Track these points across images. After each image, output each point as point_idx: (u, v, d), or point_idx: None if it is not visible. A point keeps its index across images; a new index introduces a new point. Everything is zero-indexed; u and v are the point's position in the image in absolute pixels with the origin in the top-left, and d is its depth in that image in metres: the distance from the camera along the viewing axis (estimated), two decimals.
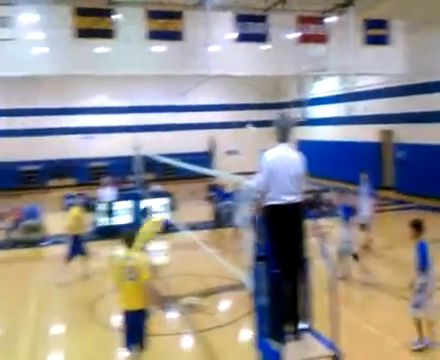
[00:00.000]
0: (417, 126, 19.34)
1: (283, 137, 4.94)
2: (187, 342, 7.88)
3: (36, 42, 14.89)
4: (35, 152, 25.74)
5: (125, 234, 6.11)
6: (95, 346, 7.55)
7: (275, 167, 4.82)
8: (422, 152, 19.06)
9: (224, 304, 9.34)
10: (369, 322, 8.10)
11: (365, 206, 12.00)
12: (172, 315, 8.86)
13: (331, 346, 4.56)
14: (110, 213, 14.57)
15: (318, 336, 4.80)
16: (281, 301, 4.62)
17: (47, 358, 7.37)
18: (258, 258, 4.79)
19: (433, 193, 18.32)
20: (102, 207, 14.76)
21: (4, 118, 25.57)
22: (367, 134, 22.34)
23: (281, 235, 4.74)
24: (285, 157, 4.89)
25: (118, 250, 6.56)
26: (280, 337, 4.56)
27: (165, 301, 9.44)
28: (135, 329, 5.94)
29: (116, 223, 14.26)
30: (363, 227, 11.93)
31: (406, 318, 7.48)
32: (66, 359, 7.39)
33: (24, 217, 14.35)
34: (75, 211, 10.83)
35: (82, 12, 14.89)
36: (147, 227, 9.80)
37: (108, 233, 13.72)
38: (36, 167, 26.33)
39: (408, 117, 19.77)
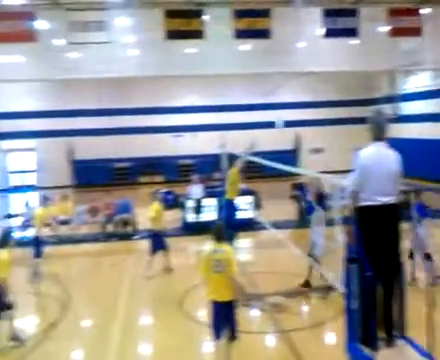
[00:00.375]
0: None
1: (378, 135, 4.74)
2: (272, 342, 7.85)
3: (130, 45, 15.59)
4: (127, 150, 27.02)
5: (214, 228, 6.26)
6: (184, 338, 7.74)
7: (370, 167, 4.65)
8: None
9: (310, 305, 9.18)
10: None
11: None
12: (257, 313, 8.86)
13: (427, 355, 4.32)
14: (198, 210, 14.89)
15: (413, 344, 4.57)
16: (374, 305, 4.45)
17: (137, 349, 7.64)
18: (350, 260, 4.66)
19: None
20: (190, 204, 15.12)
21: (100, 118, 27.06)
22: None
23: (375, 237, 4.56)
24: (380, 156, 4.70)
25: (207, 245, 6.73)
26: (372, 343, 4.39)
27: (250, 298, 9.49)
28: (223, 320, 6.06)
29: (203, 219, 14.53)
30: None
31: None
32: (155, 351, 7.63)
33: (117, 211, 15.08)
34: (155, 206, 11.08)
35: (172, 14, 15.34)
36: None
37: (195, 229, 14.02)
38: (128, 164, 27.64)
39: None
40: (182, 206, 15.42)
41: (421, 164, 22.22)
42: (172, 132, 28.11)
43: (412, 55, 16.62)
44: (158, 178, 27.43)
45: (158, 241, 10.93)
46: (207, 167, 23.58)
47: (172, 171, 27.47)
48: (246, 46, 16.13)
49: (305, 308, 9.04)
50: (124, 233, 14.69)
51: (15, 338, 7.39)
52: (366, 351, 4.45)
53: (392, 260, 4.64)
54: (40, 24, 16.13)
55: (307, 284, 9.34)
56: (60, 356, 7.38)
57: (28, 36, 15.53)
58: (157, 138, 27.76)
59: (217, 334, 6.11)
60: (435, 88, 22.72)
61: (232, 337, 6.11)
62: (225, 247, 6.18)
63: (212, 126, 27.43)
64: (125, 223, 14.93)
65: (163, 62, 15.53)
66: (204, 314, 8.99)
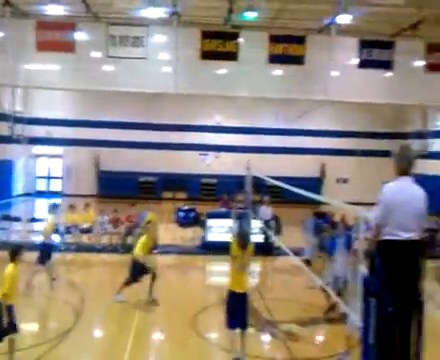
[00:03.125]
0: None
1: (405, 170, 4.68)
2: None
3: (164, 62, 15.85)
4: (153, 164, 27.28)
5: (239, 234, 7.29)
6: (195, 357, 7.68)
7: (394, 201, 4.59)
8: None
9: (324, 336, 8.98)
10: None
11: None
12: (270, 339, 8.76)
13: None
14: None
15: None
16: (392, 342, 4.35)
17: None
18: (370, 294, 4.57)
19: None
20: (213, 223, 15.09)
21: (128, 131, 27.48)
22: None
23: (396, 273, 4.47)
24: (406, 191, 4.64)
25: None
26: None
27: (265, 324, 9.39)
28: (239, 310, 6.91)
29: (221, 239, 14.47)
30: None
31: None
32: None
33: (139, 224, 15.16)
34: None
35: (208, 35, 15.55)
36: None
37: (215, 248, 13.98)
38: (153, 179, 27.88)
39: None
40: (203, 224, 15.42)
41: None
42: (198, 150, 28.31)
43: None
44: (181, 194, 27.59)
45: None
46: (229, 187, 23.69)
47: (195, 188, 27.58)
48: (279, 71, 16.21)
49: (319, 338, 8.85)
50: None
51: None
52: None
53: (411, 297, 4.54)
54: (79, 36, 16.56)
55: (331, 308, 9.13)
56: None
57: (67, 46, 15.96)
58: (182, 155, 27.97)
59: (232, 322, 6.97)
60: None
61: (244, 326, 7.00)
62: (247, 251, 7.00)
63: (237, 148, 27.51)
64: None
65: (196, 81, 15.73)
66: (217, 335, 8.97)
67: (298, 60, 15.74)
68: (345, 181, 28.85)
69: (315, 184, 26.78)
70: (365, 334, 4.63)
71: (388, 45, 16.18)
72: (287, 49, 15.84)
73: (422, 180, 4.91)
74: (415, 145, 22.92)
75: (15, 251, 6.73)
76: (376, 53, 16.09)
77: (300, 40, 15.84)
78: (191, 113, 27.65)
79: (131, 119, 27.49)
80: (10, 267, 6.57)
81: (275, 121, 27.91)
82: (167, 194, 27.88)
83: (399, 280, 4.46)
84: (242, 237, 7.16)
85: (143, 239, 9.89)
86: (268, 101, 23.25)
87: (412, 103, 17.95)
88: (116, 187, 26.11)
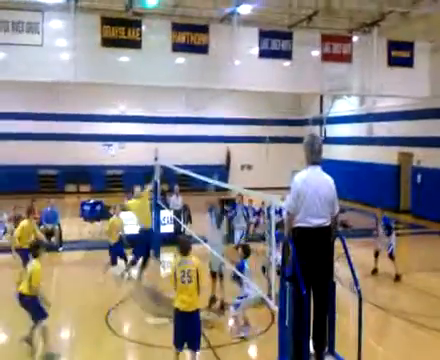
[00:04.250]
0: (437, 151, 19.18)
1: (313, 159, 4.90)
2: (202, 357, 7.79)
3: (63, 49, 15.09)
4: (53, 157, 26.01)
5: (180, 240, 6.78)
6: (109, 355, 7.51)
7: (304, 190, 4.79)
8: None
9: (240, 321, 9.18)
10: (386, 349, 7.98)
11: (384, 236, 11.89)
12: None
13: None
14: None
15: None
16: (306, 323, 4.56)
17: None
18: (285, 278, 4.75)
19: None
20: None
21: (27, 122, 25.90)
22: (386, 156, 22.20)
23: (307, 258, 4.70)
24: (315, 180, 4.85)
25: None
26: (303, 359, 4.49)
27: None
28: (188, 330, 6.30)
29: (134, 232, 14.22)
30: (390, 256, 11.74)
31: (418, 344, 7.37)
32: None
33: (43, 220, 14.43)
34: (114, 221, 11.35)
35: (109, 22, 15.06)
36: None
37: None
38: (54, 171, 26.62)
39: (429, 141, 19.61)
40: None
41: (344, 185, 23.28)
42: (101, 141, 27.49)
43: (341, 80, 17.44)
44: (85, 188, 26.67)
45: (116, 253, 11.10)
46: (136, 178, 23.28)
47: (99, 181, 26.79)
48: (183, 60, 16.15)
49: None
50: (48, 244, 14.03)
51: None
52: None
53: (324, 280, 4.79)
54: None
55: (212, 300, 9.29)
56: None
57: None
58: (85, 146, 26.97)
59: (179, 342, 6.35)
60: (360, 113, 24.03)
61: (195, 347, 6.40)
62: (193, 259, 6.46)
63: (143, 137, 27.16)
64: (50, 233, 14.27)
65: (97, 69, 15.16)
66: (130, 331, 8.85)
67: (202, 49, 15.77)
68: (249, 167, 29.72)
69: (221, 172, 27.27)
70: (281, 317, 4.82)
71: (286, 36, 16.80)
72: (190, 38, 15.81)
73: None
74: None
75: (37, 246, 7.37)
76: (275, 43, 16.62)
77: (203, 29, 15.88)
78: (93, 102, 26.71)
79: (28, 109, 25.90)
80: (35, 262, 7.13)
81: (181, 110, 27.94)
82: (70, 187, 26.81)
83: (312, 264, 4.69)
84: (183, 243, 6.62)
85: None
86: (173, 90, 23.18)
87: (310, 91, 18.84)
88: (14, 182, 24.53)
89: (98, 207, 16.94)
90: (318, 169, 4.90)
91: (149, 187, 12.37)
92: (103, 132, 27.50)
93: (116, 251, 11.18)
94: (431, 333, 8.48)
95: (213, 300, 9.29)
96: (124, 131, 27.75)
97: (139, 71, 15.49)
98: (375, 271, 11.99)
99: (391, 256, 11.67)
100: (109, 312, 9.10)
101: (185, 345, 6.41)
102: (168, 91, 24.78)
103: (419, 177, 20.37)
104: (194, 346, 6.40)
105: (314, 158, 4.89)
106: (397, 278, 11.50)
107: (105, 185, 26.71)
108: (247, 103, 28.26)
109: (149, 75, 15.54)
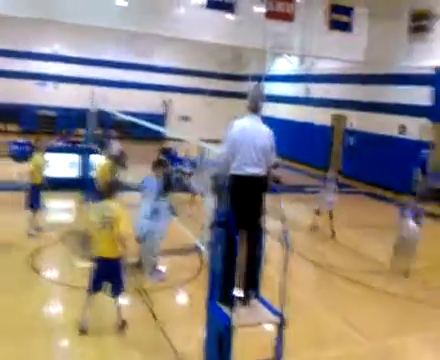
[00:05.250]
0: (368, 115, 20.02)
1: (254, 108, 4.95)
2: (129, 301, 7.92)
3: None
4: None
5: (104, 185, 6.63)
6: (38, 300, 7.46)
7: (241, 137, 4.82)
8: (370, 140, 19.80)
9: (174, 266, 9.34)
10: (311, 297, 8.50)
11: (330, 196, 12.21)
12: None
13: (277, 313, 4.76)
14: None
15: (266, 303, 4.98)
16: (235, 267, 4.75)
17: None
18: (217, 224, 4.88)
19: (377, 181, 19.14)
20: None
21: None
22: (321, 117, 22.87)
23: (240, 204, 4.81)
24: (252, 128, 4.91)
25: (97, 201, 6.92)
26: (231, 301, 4.69)
27: None
28: (106, 277, 6.27)
29: (62, 176, 13.85)
30: (330, 214, 12.15)
31: (346, 296, 7.92)
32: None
33: None
34: (37, 158, 10.31)
35: None
36: None
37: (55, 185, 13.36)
38: None
39: (361, 105, 20.40)
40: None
41: (279, 142, 23.81)
42: (33, 79, 26.13)
43: (283, 39, 17.58)
44: (13, 127, 25.37)
45: (35, 196, 10.14)
46: (70, 121, 22.56)
47: (30, 121, 25.56)
48: (124, 2, 15.54)
49: (169, 269, 9.12)
50: None
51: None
52: (224, 309, 4.74)
53: (255, 227, 4.97)
54: None
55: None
56: None
57: None
58: (16, 84, 25.49)
59: (94, 288, 6.30)
60: (298, 73, 24.47)
61: (116, 293, 6.39)
62: (114, 204, 6.28)
63: (80, 79, 26.09)
64: None
65: (30, 4, 14.25)
66: (58, 273, 8.77)
67: None
68: (187, 119, 29.57)
69: (159, 121, 26.86)
70: (213, 262, 4.98)
71: None
72: None
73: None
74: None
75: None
76: None
77: None
78: (27, 39, 25.15)
79: None
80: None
81: (122, 54, 27.07)
82: None
83: (244, 212, 4.83)
84: (109, 186, 6.48)
85: None
86: (113, 32, 22.32)
87: (252, 46, 18.84)
88: None
89: (28, 148, 16.30)
90: (256, 118, 4.96)
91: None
92: (37, 70, 26.12)
93: (35, 193, 10.18)
94: (356, 286, 9.13)
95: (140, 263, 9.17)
96: (60, 71, 26.50)
97: (77, 10, 14.78)
98: (315, 228, 12.39)
99: (331, 215, 12.11)
100: (33, 255, 8.95)
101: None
102: (109, 34, 23.81)
103: (350, 139, 21.26)
104: (113, 293, 6.41)
105: (254, 107, 4.95)
106: (333, 235, 12.05)
107: (36, 126, 25.54)
108: (190, 54, 27.86)
109: (88, 15, 14.88)
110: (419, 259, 9.80)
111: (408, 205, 10.06)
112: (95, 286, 6.32)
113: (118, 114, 12.75)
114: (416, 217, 9.72)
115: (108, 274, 6.29)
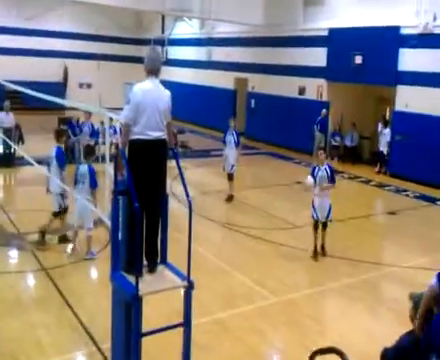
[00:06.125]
0: (269, 77, 20.49)
1: (153, 71, 4.81)
2: (32, 280, 7.59)
3: None
4: None
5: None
6: None
7: (143, 101, 4.69)
8: (272, 102, 20.34)
9: (81, 240, 8.98)
10: (220, 258, 8.67)
11: (231, 155, 12.02)
12: (17, 253, 8.54)
13: (184, 277, 4.77)
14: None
15: (172, 269, 4.98)
16: (139, 235, 4.66)
17: None
18: (119, 192, 4.74)
19: (278, 141, 19.82)
20: None
21: None
22: (223, 80, 23.02)
23: (144, 170, 4.70)
24: (154, 91, 4.79)
25: None
26: (136, 270, 4.62)
27: (10, 237, 8.98)
28: None
29: None
30: (230, 177, 12.09)
31: (248, 253, 8.17)
32: None
33: None
34: None
35: None
36: None
37: None
38: None
39: (262, 68, 20.80)
40: None
41: (184, 107, 23.73)
42: None
43: (182, 1, 17.29)
44: None
45: None
46: None
47: None
48: None
49: (68, 245, 8.81)
50: None
51: None
52: (130, 278, 4.66)
53: (157, 192, 4.89)
54: None
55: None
56: None
57: None
58: None
59: None
60: (200, 36, 24.33)
61: None
62: None
63: None
64: None
65: None
66: None
67: None
68: (89, 86, 28.38)
69: (58, 89, 25.48)
70: (114, 232, 4.85)
71: None
72: None
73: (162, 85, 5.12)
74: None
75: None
76: None
77: None
78: None
79: None
80: None
81: (10, 19, 25.12)
82: None
83: (146, 177, 4.72)
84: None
85: None
86: None
87: (151, 9, 18.33)
88: None
89: None
90: (157, 81, 4.84)
91: None
92: None
93: None
94: (260, 242, 9.44)
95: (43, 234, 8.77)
96: None
97: None
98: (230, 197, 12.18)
99: (231, 177, 12.09)
100: None
101: None
102: None
103: (253, 102, 21.69)
104: None
105: (153, 69, 4.81)
106: (230, 198, 12.12)
107: None
108: (86, 17, 26.61)
109: None
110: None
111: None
112: None
113: (8, 84, 11.85)
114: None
115: None
